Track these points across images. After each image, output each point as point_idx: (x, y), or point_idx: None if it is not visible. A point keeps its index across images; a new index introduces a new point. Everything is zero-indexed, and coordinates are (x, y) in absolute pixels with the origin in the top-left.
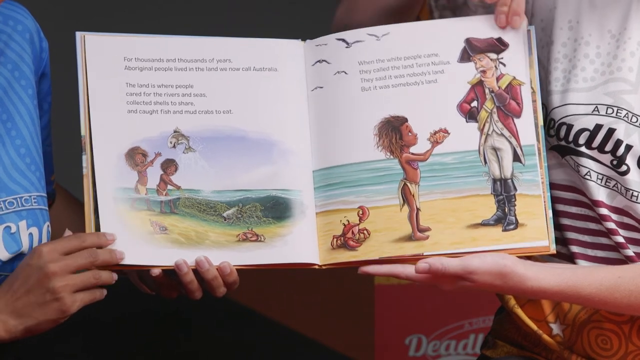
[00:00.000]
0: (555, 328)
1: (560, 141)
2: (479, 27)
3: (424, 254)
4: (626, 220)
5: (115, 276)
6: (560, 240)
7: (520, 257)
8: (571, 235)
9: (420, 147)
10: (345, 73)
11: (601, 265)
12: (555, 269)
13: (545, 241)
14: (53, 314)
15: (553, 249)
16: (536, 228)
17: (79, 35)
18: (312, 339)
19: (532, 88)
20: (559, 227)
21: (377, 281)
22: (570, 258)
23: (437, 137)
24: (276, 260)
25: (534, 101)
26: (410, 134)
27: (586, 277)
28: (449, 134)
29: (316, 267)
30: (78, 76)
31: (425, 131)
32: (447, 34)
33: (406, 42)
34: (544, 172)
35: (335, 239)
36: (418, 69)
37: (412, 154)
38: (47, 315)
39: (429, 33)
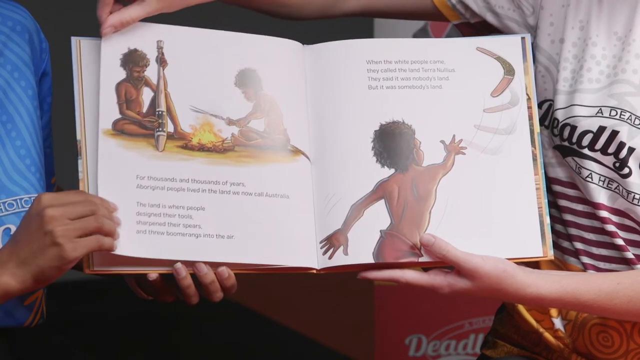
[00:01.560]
0: (558, 323)
1: (564, 142)
2: (484, 43)
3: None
4: (627, 222)
5: (119, 223)
6: (565, 236)
7: (519, 264)
8: (574, 231)
9: (434, 157)
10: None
11: (600, 273)
12: (554, 275)
13: (540, 250)
14: (54, 259)
15: (551, 254)
16: (532, 239)
17: (74, 40)
18: (312, 339)
19: (527, 95)
20: (563, 223)
21: (377, 281)
22: (575, 254)
23: (457, 147)
24: (274, 262)
25: (529, 107)
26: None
27: (585, 283)
28: (465, 148)
29: (314, 271)
30: (74, 80)
31: (434, 138)
32: (453, 45)
33: (413, 48)
34: (541, 178)
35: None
36: (424, 73)
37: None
38: (48, 262)
39: (435, 44)
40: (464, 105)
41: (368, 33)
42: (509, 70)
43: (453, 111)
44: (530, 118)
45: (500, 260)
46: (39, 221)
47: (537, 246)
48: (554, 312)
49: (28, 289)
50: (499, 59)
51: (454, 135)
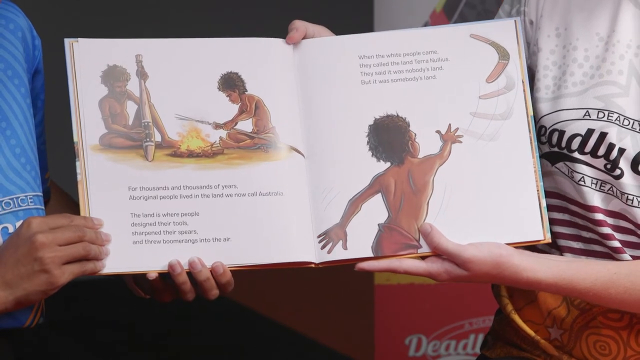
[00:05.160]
0: (554, 332)
1: (553, 147)
2: (477, 29)
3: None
4: (622, 223)
5: (105, 250)
6: (555, 246)
7: (516, 247)
8: (562, 242)
9: (430, 147)
10: (346, 66)
11: (598, 261)
12: (552, 261)
13: (540, 234)
14: (42, 285)
15: (548, 237)
16: (532, 223)
17: (67, 42)
18: (312, 339)
19: (521, 78)
20: (552, 234)
21: (376, 281)
22: None
23: (453, 136)
24: (272, 260)
25: (523, 90)
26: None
27: (581, 271)
28: (462, 135)
29: (312, 265)
30: (68, 82)
31: (429, 128)
32: (446, 34)
33: (405, 40)
34: (536, 161)
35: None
36: (417, 65)
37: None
38: (35, 287)
39: (428, 34)
40: (458, 94)
41: (368, 30)
42: (504, 55)
43: (448, 100)
44: (525, 101)
45: (496, 245)
46: (28, 246)
47: (538, 230)
48: (549, 321)
49: (7, 310)
50: (493, 44)
51: (449, 125)
